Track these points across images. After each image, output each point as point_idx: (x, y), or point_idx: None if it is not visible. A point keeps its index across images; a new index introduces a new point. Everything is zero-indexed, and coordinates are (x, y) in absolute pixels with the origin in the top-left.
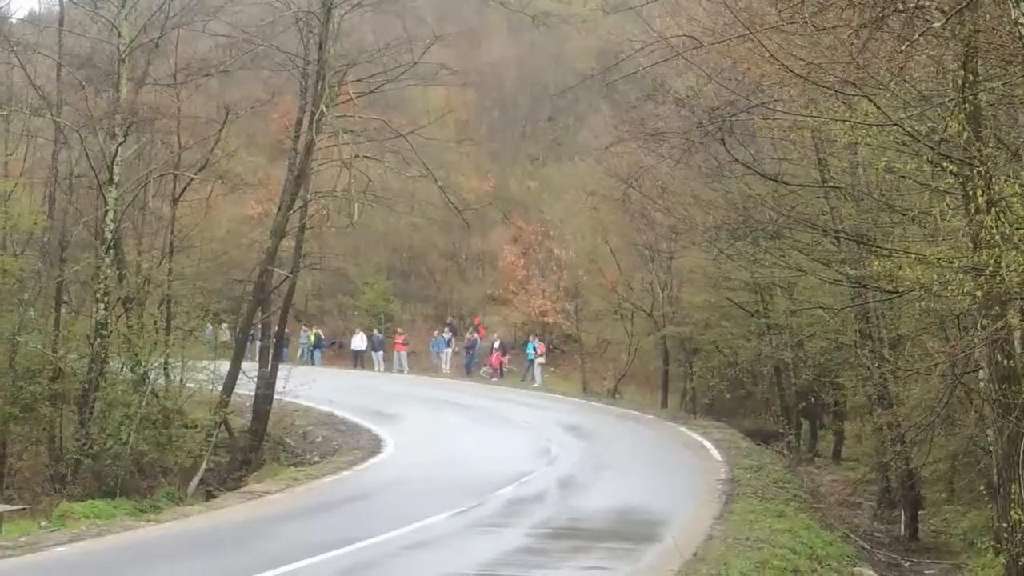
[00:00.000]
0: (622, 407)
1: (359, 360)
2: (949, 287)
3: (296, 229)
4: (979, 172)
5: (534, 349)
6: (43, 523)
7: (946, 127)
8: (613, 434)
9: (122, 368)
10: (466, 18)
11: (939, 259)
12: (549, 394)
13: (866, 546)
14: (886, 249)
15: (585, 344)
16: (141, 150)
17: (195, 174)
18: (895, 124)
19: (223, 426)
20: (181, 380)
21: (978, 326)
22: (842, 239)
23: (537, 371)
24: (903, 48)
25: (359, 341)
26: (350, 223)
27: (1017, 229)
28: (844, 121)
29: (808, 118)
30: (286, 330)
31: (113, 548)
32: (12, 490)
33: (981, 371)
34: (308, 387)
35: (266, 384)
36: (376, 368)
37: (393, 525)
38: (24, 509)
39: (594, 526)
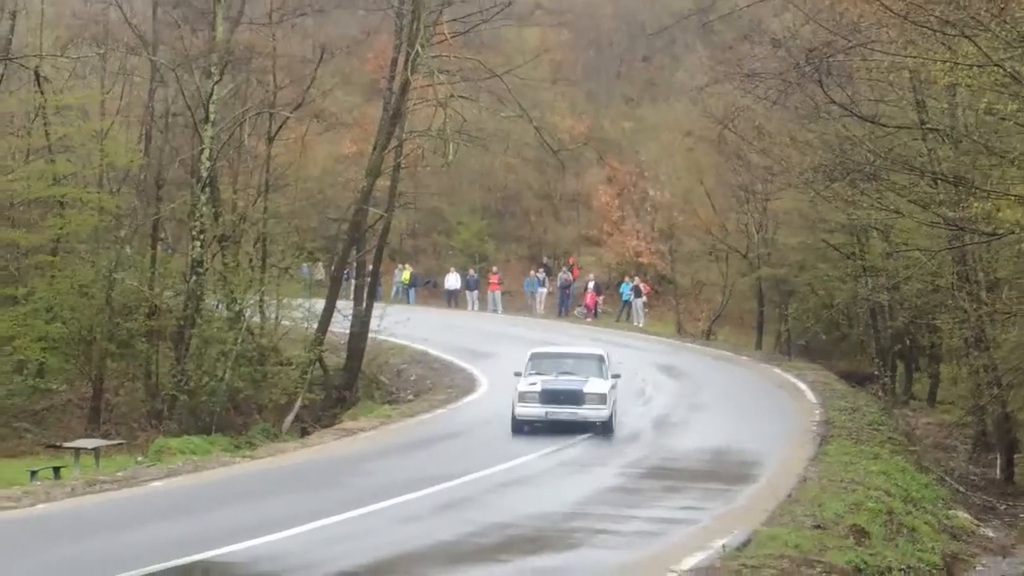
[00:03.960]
0: (716, 348)
1: (453, 299)
2: None
3: (391, 168)
4: None
5: (630, 289)
6: (139, 458)
7: None
8: (707, 375)
9: (218, 306)
10: None
11: None
12: (643, 335)
13: (961, 489)
14: (985, 191)
15: (680, 285)
16: (237, 89)
17: (290, 113)
18: (996, 65)
19: (318, 364)
20: (276, 318)
21: None
22: (940, 181)
23: (641, 311)
24: None
25: (453, 280)
26: (445, 163)
27: None
28: (944, 62)
29: (907, 59)
30: (380, 269)
31: (209, 484)
32: (109, 425)
33: None
34: (402, 326)
35: (361, 322)
36: (470, 307)
37: (487, 463)
38: (121, 444)
39: (688, 466)
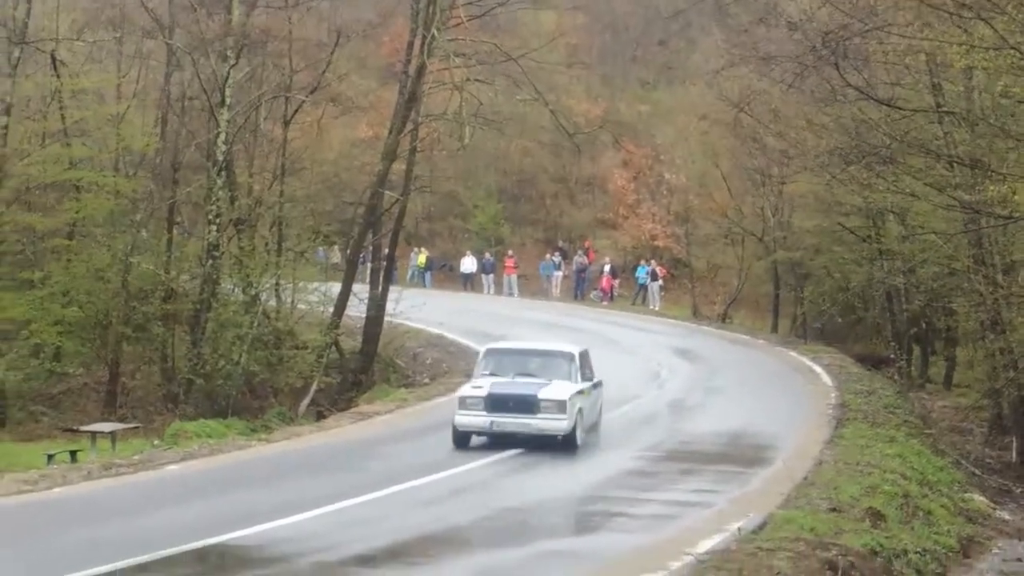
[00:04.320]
0: (732, 331)
1: (468, 283)
2: None
3: (407, 152)
4: None
5: (646, 273)
6: (156, 441)
7: None
8: (723, 358)
9: (234, 289)
10: None
11: None
12: (659, 318)
13: (977, 472)
14: (1001, 174)
15: (695, 269)
16: (253, 72)
17: (306, 96)
18: (1012, 48)
19: (334, 347)
20: (292, 301)
21: None
22: (956, 164)
23: (657, 294)
24: None
25: (469, 264)
26: (461, 146)
27: None
28: (960, 45)
29: (923, 41)
30: (396, 252)
31: (225, 467)
32: (125, 408)
33: None
34: (418, 309)
35: (377, 306)
36: (486, 291)
37: (503, 447)
38: (137, 427)
39: (704, 449)
